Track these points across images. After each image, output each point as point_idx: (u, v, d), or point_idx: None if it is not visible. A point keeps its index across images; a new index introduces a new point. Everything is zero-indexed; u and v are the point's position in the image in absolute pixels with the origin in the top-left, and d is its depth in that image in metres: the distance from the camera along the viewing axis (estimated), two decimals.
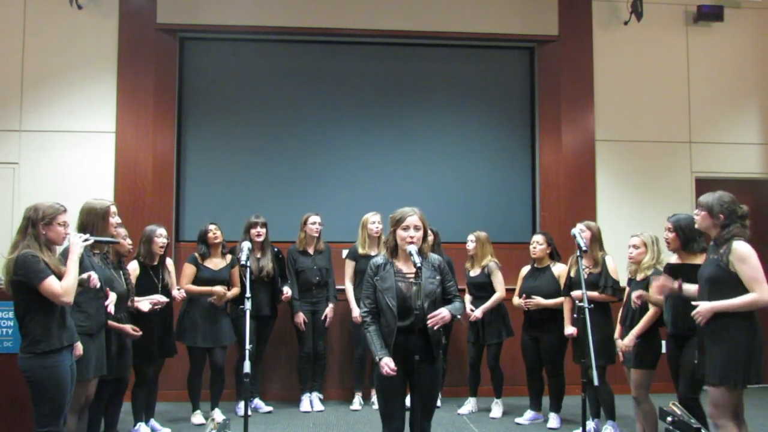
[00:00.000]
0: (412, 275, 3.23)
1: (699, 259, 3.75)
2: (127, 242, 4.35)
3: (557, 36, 6.57)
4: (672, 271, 3.75)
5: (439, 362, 3.34)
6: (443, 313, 3.19)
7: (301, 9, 6.38)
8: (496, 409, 5.39)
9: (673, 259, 4.02)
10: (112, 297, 3.78)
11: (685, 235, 3.87)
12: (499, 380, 5.42)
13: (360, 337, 5.36)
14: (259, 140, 6.49)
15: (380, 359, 3.20)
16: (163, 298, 4.51)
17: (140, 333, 4.15)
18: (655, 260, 4.22)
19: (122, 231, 4.32)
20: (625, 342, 4.16)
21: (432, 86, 6.67)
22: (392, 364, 3.17)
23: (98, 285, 3.51)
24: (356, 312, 5.44)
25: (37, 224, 3.21)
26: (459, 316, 3.32)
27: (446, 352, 5.66)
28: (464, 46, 6.72)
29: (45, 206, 3.27)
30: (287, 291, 5.44)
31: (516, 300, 5.20)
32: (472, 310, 5.34)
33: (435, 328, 3.19)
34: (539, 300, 5.00)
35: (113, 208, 3.83)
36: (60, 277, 3.18)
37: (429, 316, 3.16)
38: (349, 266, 5.57)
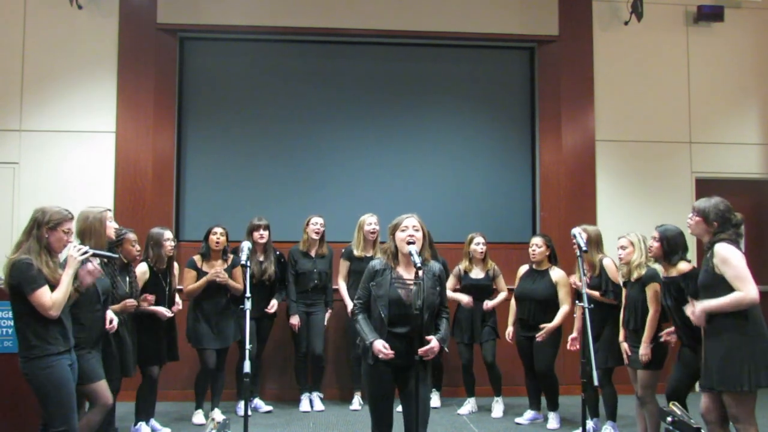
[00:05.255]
0: (413, 281, 3.22)
1: (676, 271, 3.90)
2: (136, 248, 4.37)
3: (557, 36, 6.57)
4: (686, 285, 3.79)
5: (429, 369, 3.37)
6: (435, 346, 3.21)
7: (301, 9, 6.38)
8: (497, 408, 5.39)
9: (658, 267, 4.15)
10: (110, 315, 3.83)
11: (669, 246, 3.95)
12: (497, 378, 5.42)
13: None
14: (259, 140, 6.49)
15: (371, 343, 3.20)
16: (168, 313, 4.62)
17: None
18: (644, 257, 4.26)
19: (132, 236, 4.33)
20: (642, 351, 4.12)
21: (432, 86, 6.67)
22: (386, 346, 3.17)
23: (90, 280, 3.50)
24: (351, 307, 5.44)
25: (42, 227, 3.20)
26: (446, 346, 3.36)
27: (441, 353, 5.66)
28: (464, 46, 6.71)
29: (53, 210, 3.25)
30: (273, 305, 5.43)
31: (512, 306, 5.24)
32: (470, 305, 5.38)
33: (426, 359, 3.21)
34: (548, 327, 4.97)
35: (109, 214, 3.82)
36: (55, 285, 3.16)
37: (420, 351, 3.15)
38: (344, 266, 5.56)
